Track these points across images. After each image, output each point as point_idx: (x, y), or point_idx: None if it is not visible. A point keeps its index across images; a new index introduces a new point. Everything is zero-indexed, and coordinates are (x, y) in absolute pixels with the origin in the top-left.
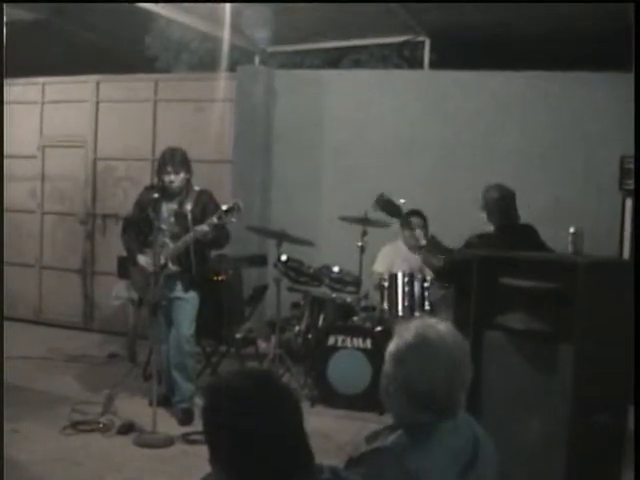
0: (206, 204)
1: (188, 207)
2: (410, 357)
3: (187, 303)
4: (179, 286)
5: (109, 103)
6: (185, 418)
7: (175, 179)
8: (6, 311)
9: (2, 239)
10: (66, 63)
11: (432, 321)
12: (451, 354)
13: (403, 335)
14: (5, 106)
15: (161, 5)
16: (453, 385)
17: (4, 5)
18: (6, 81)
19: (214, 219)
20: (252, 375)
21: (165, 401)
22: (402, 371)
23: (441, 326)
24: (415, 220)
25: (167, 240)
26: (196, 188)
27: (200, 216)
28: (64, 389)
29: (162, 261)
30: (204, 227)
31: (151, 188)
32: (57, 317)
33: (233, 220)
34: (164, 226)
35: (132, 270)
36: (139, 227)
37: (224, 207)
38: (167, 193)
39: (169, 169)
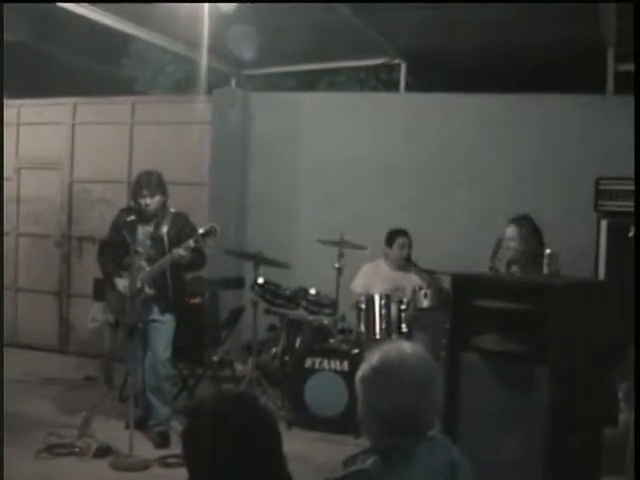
0: (182, 227)
1: (164, 230)
2: (375, 381)
3: (163, 326)
4: (155, 309)
5: (86, 125)
6: (161, 441)
7: (151, 202)
8: None
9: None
10: (43, 85)
11: (399, 344)
12: (416, 376)
13: (369, 359)
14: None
15: (138, 27)
16: (420, 407)
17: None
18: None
19: (191, 242)
20: (231, 397)
21: (141, 424)
22: (369, 395)
23: (408, 349)
24: (401, 240)
25: (143, 263)
26: (172, 210)
27: (176, 239)
28: (39, 412)
29: (139, 284)
30: (180, 251)
31: (127, 210)
32: (32, 340)
33: (210, 244)
34: (140, 249)
35: (108, 292)
36: (115, 250)
37: (201, 230)
38: (143, 216)
39: (145, 192)
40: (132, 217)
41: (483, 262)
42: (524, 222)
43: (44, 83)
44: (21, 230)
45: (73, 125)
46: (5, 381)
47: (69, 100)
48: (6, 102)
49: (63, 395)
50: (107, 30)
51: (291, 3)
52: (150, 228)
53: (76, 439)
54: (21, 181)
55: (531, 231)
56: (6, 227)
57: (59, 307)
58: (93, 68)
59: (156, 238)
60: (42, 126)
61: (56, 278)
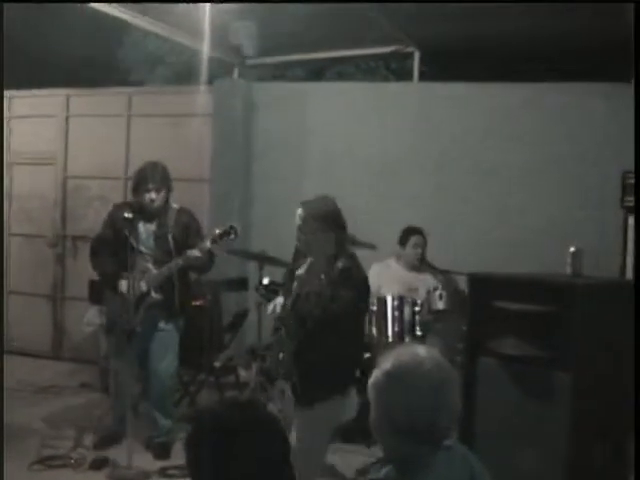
0: (187, 225)
1: (169, 228)
2: (388, 387)
3: (168, 334)
4: (160, 316)
5: (80, 118)
6: (161, 452)
7: (156, 197)
8: None
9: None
10: (34, 75)
11: (414, 348)
12: (432, 382)
13: (382, 364)
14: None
15: (135, 14)
16: (436, 414)
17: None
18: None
19: (208, 243)
20: (237, 405)
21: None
22: (382, 402)
23: (423, 353)
24: (415, 238)
25: (149, 265)
26: (174, 206)
27: (181, 238)
28: (32, 422)
29: (144, 288)
30: (195, 252)
31: (123, 206)
32: (24, 345)
33: (232, 240)
34: (143, 249)
35: (107, 295)
36: (112, 249)
37: (218, 230)
38: (144, 212)
39: (150, 186)
40: (131, 213)
41: (499, 261)
42: None
43: (36, 73)
44: (12, 229)
45: (67, 118)
46: None
47: (62, 91)
48: None
49: (57, 404)
50: (103, 17)
51: None
52: (153, 226)
53: (71, 450)
54: (12, 177)
55: None
56: None
57: (53, 311)
58: (88, 57)
59: (161, 237)
60: (34, 119)
61: (49, 280)
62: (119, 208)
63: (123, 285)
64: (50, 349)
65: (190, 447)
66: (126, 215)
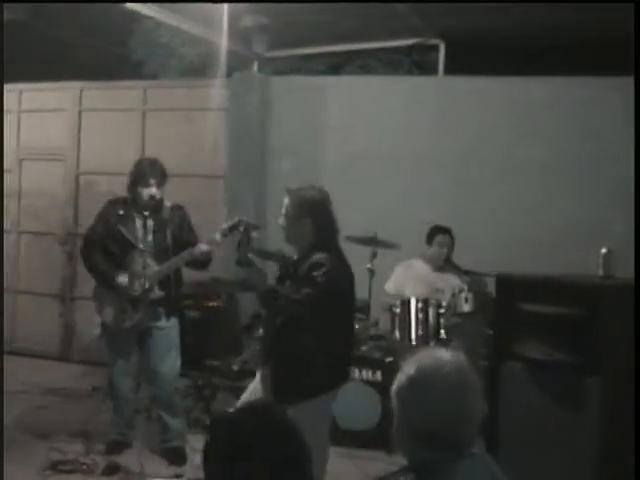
0: (181, 221)
1: (167, 224)
2: (411, 392)
3: (170, 332)
4: (160, 313)
5: (93, 112)
6: (176, 458)
7: (157, 193)
8: None
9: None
10: (45, 68)
11: (438, 352)
12: (456, 388)
13: (405, 368)
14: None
15: (148, 5)
16: (459, 421)
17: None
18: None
19: (217, 236)
20: (254, 410)
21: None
22: (404, 408)
23: (448, 357)
24: (440, 237)
25: (149, 262)
26: (167, 204)
27: (178, 234)
28: (41, 426)
29: (146, 285)
30: (203, 246)
31: (117, 202)
32: (32, 346)
33: (254, 234)
34: (142, 246)
35: (103, 293)
36: (107, 246)
37: (227, 224)
38: (141, 208)
39: (151, 181)
40: (126, 210)
41: (522, 260)
42: None
43: (47, 66)
44: (22, 227)
45: (79, 112)
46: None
47: (74, 85)
48: (6, 87)
49: (67, 407)
50: (115, 8)
51: None
52: (150, 222)
53: (82, 455)
54: (23, 173)
55: None
56: (6, 224)
57: (62, 311)
58: (101, 50)
59: (159, 233)
60: (45, 113)
61: (59, 279)
62: (113, 204)
63: (123, 282)
64: (59, 350)
65: (207, 455)
66: (122, 212)
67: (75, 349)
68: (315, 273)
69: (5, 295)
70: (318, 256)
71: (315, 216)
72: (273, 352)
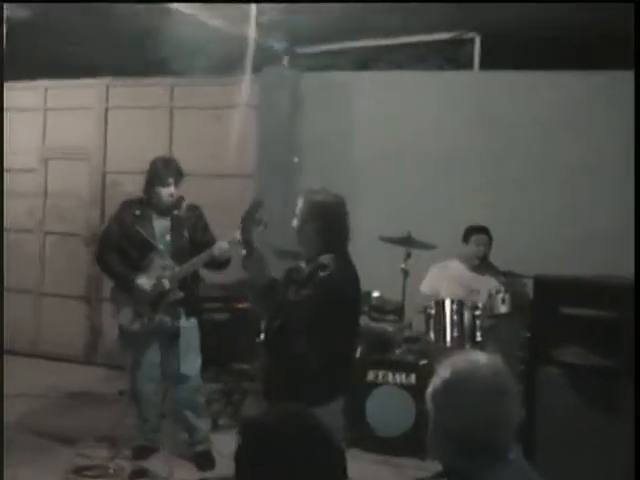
0: (197, 220)
1: (184, 223)
2: (446, 396)
3: (190, 332)
4: (180, 314)
5: (119, 110)
6: (205, 462)
7: (174, 192)
8: None
9: (2, 258)
10: (71, 65)
11: (475, 355)
12: (492, 392)
13: (440, 372)
14: (2, 113)
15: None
16: (496, 426)
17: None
18: (5, 85)
19: (237, 235)
20: (287, 415)
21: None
22: (439, 412)
23: (484, 361)
24: (477, 237)
25: (169, 262)
26: (184, 203)
27: (194, 233)
28: (67, 431)
29: (166, 285)
30: (224, 244)
31: (133, 202)
32: (57, 349)
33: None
34: (160, 246)
35: (120, 295)
36: (123, 248)
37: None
38: (158, 208)
39: (170, 181)
40: (143, 210)
41: (563, 262)
42: None
43: (73, 63)
44: (47, 227)
45: (105, 110)
46: (27, 396)
47: (101, 82)
48: (30, 84)
49: (93, 411)
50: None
51: None
52: (167, 222)
53: (108, 460)
54: (48, 173)
55: None
56: (31, 224)
57: (87, 313)
58: (126, 45)
59: (177, 233)
60: (71, 111)
61: (84, 281)
62: (128, 205)
63: (144, 284)
64: (83, 353)
65: (239, 460)
66: (139, 212)
67: (100, 352)
68: (317, 274)
69: (29, 297)
70: (322, 258)
71: (324, 221)
72: (270, 356)
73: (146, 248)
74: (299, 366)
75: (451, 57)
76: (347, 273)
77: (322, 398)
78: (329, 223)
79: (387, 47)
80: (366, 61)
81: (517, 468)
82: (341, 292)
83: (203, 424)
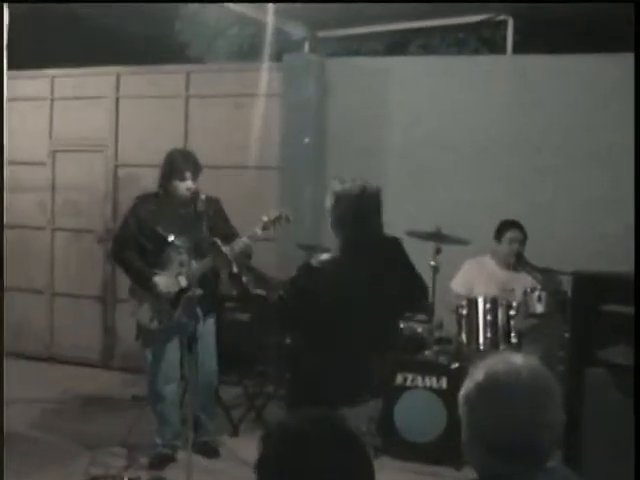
0: (216, 214)
1: (203, 218)
2: (481, 400)
3: (208, 330)
4: (199, 312)
5: (132, 99)
6: (209, 451)
7: (192, 186)
8: (10, 345)
9: (2, 258)
10: (80, 52)
11: (510, 357)
12: (530, 395)
13: (473, 375)
14: (8, 104)
15: None
16: (534, 431)
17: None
18: (9, 74)
19: (258, 231)
20: (312, 420)
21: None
22: (474, 417)
23: (520, 362)
24: (511, 233)
25: (187, 258)
26: (202, 196)
27: (214, 228)
28: (81, 438)
29: (183, 282)
30: (245, 240)
31: (148, 197)
32: (71, 353)
33: (283, 227)
34: (178, 242)
35: (139, 293)
36: (140, 244)
37: (267, 217)
38: (175, 203)
39: (187, 174)
40: (159, 205)
41: (605, 258)
42: None
43: (82, 50)
44: (57, 224)
45: (117, 99)
46: (40, 401)
47: (112, 69)
48: (38, 72)
49: (108, 417)
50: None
51: None
52: (184, 217)
53: (124, 469)
54: (57, 166)
55: None
56: (40, 220)
57: (102, 314)
58: (140, 31)
59: (195, 228)
60: (81, 100)
61: (99, 280)
62: (143, 200)
63: (161, 282)
64: (99, 357)
65: (261, 469)
66: (155, 207)
67: (116, 355)
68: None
69: (41, 297)
70: (314, 258)
71: (345, 214)
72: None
73: (163, 244)
74: (322, 369)
75: (486, 39)
76: (324, 275)
77: (346, 402)
78: (352, 216)
79: (417, 30)
80: (397, 45)
81: (559, 476)
82: (317, 294)
83: (212, 424)
